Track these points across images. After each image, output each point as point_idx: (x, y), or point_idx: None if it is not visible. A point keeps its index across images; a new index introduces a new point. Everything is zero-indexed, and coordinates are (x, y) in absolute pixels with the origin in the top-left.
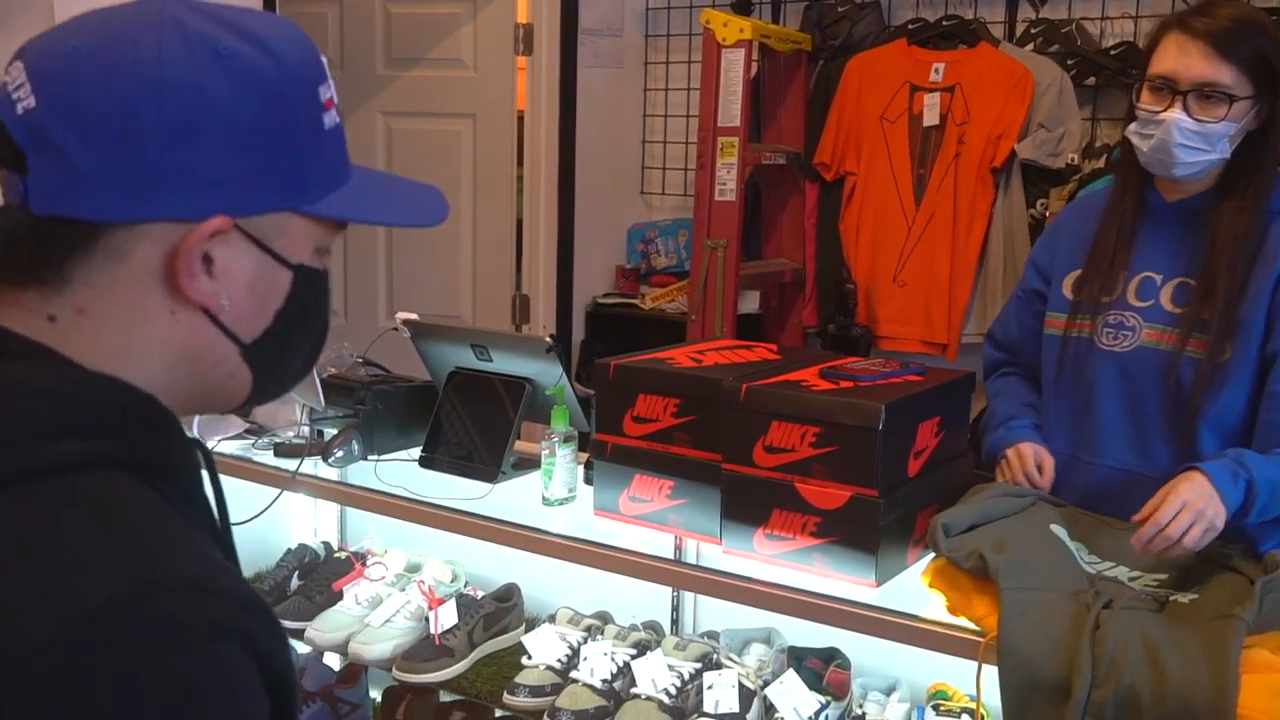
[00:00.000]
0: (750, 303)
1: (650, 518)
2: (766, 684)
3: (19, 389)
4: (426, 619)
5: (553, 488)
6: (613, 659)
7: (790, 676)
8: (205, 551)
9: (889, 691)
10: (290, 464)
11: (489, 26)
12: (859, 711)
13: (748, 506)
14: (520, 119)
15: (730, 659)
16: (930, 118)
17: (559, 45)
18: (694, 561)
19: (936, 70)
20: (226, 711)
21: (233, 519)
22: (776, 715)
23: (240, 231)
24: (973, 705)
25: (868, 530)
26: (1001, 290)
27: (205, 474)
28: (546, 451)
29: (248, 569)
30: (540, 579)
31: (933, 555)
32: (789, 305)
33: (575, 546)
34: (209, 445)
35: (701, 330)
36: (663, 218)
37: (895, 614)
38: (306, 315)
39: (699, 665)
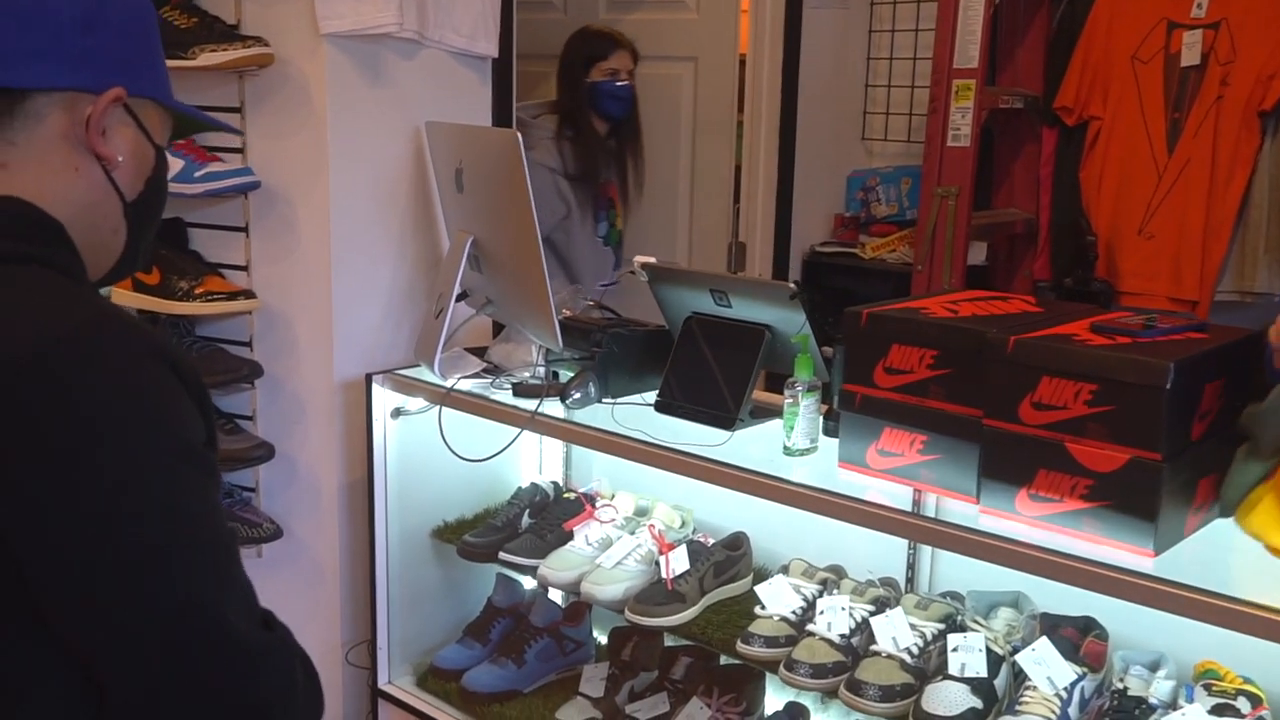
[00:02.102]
0: (977, 254)
1: (900, 472)
2: (1016, 650)
3: None
4: (657, 563)
5: (795, 438)
6: (850, 614)
7: (1044, 644)
8: (123, 309)
9: (1153, 667)
10: (528, 404)
11: None
12: (1119, 685)
13: (1010, 465)
14: (742, 62)
15: (977, 622)
16: (1189, 57)
17: None
18: (922, 514)
19: (1199, 5)
20: (175, 413)
21: (471, 455)
22: (1028, 683)
23: (125, 107)
24: (1249, 687)
25: (1148, 495)
26: (1263, 243)
27: None
28: (790, 400)
29: (478, 504)
30: (769, 529)
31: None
32: (1019, 257)
33: (817, 497)
34: (449, 384)
35: (928, 282)
36: (884, 164)
37: (1173, 584)
38: (161, 189)
39: (942, 626)
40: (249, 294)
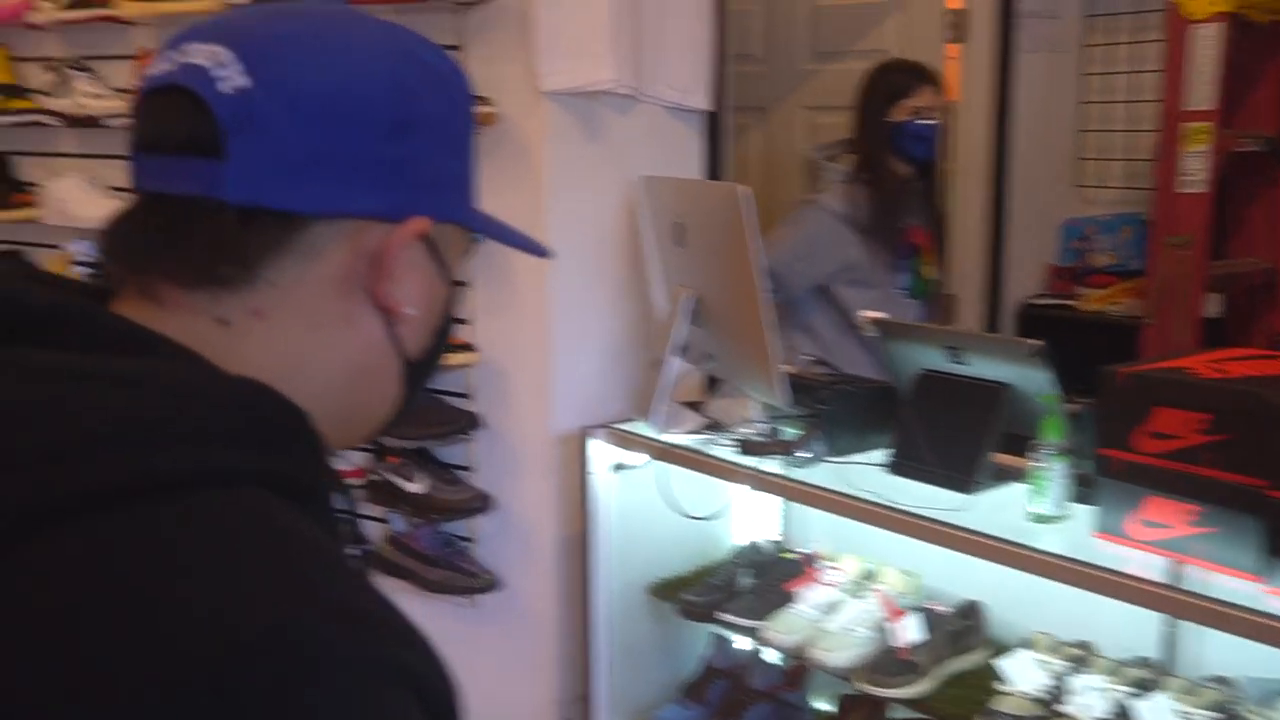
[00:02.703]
0: (1212, 306)
1: (1168, 545)
2: None
3: (163, 388)
4: (887, 630)
5: (1042, 504)
6: (1108, 696)
7: None
8: (367, 582)
9: None
10: (752, 461)
11: (919, 15)
12: None
13: None
14: (950, 109)
15: (1255, 712)
16: None
17: (995, 30)
18: (1196, 590)
19: None
20: None
21: (691, 512)
22: None
23: (425, 240)
24: None
25: None
26: None
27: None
28: (1037, 464)
29: (693, 561)
30: (1005, 599)
31: None
32: (1257, 309)
33: (1074, 569)
34: (670, 439)
35: (1160, 336)
36: (1101, 212)
37: None
38: (447, 337)
39: (1217, 715)
40: (469, 347)
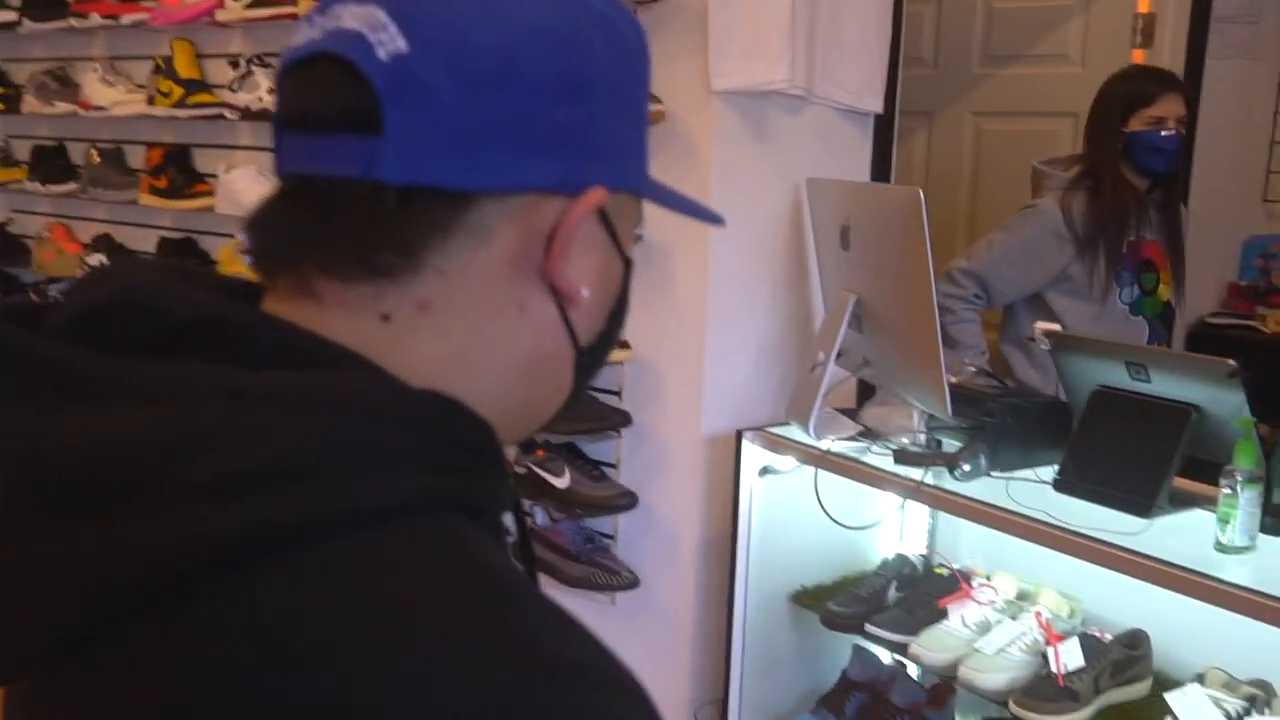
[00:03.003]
0: None
1: None
2: None
3: (341, 407)
4: (1044, 654)
5: (1231, 533)
6: None
7: None
8: (570, 618)
9: None
10: (911, 472)
11: (1103, 18)
12: None
13: None
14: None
15: None
16: None
17: (1186, 36)
18: None
19: None
20: None
21: (841, 520)
22: None
23: (600, 213)
24: None
25: None
26: None
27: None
28: (1227, 491)
29: (837, 571)
30: (1174, 630)
31: None
32: None
33: (1265, 603)
34: (824, 445)
35: None
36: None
37: None
38: (623, 320)
39: None
40: (623, 344)
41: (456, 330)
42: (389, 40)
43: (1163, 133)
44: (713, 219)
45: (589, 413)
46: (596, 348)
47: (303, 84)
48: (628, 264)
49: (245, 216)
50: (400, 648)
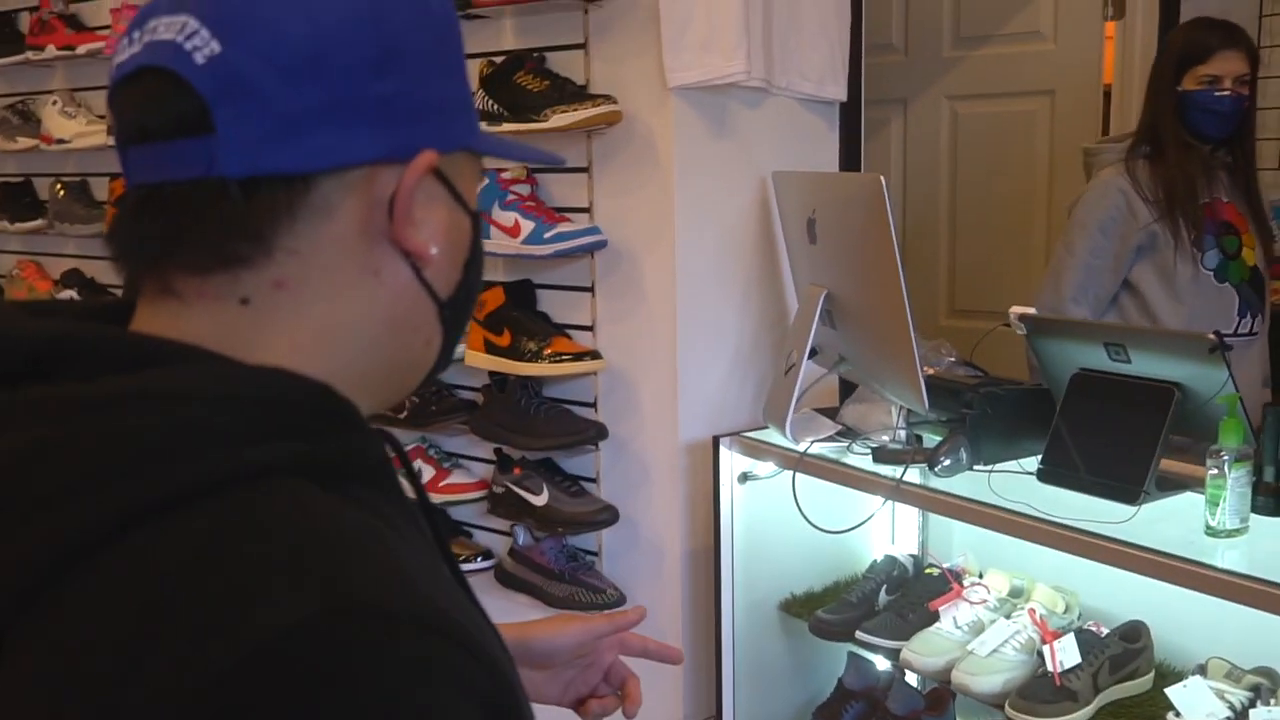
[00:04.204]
0: None
1: None
2: None
3: (168, 400)
4: (1039, 653)
5: (1221, 516)
6: None
7: None
8: (420, 571)
9: None
10: (890, 471)
11: None
12: None
13: None
14: (1106, 95)
15: None
16: None
17: (1158, 6)
18: None
19: None
20: None
21: (826, 526)
22: None
23: (436, 173)
24: None
25: None
26: None
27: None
28: (1214, 472)
29: (827, 576)
30: (1174, 620)
31: None
32: None
33: (1260, 589)
34: (802, 448)
35: None
36: (1277, 196)
37: None
38: (479, 268)
39: None
40: (595, 354)
41: (316, 303)
42: (203, 44)
43: (1216, 93)
44: (551, 159)
45: (565, 426)
46: (458, 298)
47: (133, 100)
48: (475, 218)
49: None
50: (208, 594)
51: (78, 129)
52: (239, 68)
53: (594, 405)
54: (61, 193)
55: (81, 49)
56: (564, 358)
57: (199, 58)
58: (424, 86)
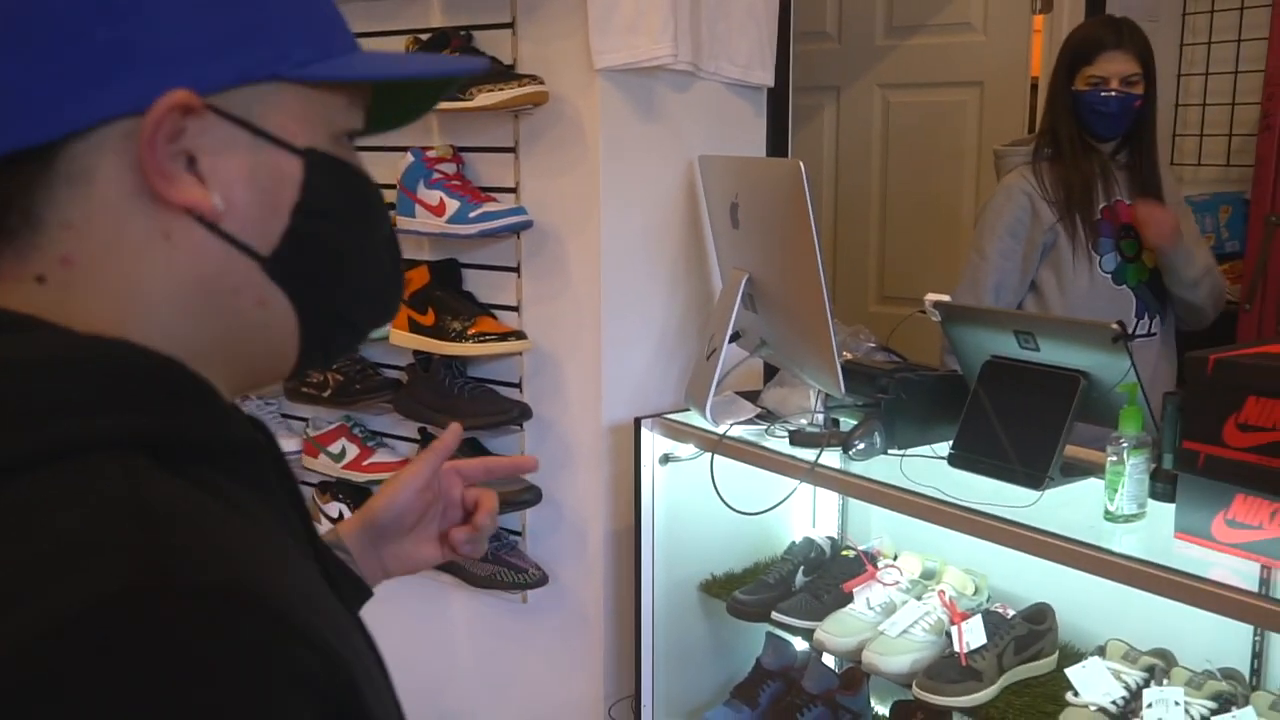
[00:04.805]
0: None
1: (1256, 548)
2: None
3: (9, 365)
4: (948, 634)
5: (1119, 501)
6: (1187, 711)
7: None
8: (259, 556)
9: None
10: (806, 454)
11: None
12: None
13: None
14: (1034, 86)
15: None
16: None
17: (1085, 1)
18: None
19: None
20: None
21: (744, 508)
22: None
23: (217, 113)
24: None
25: None
26: None
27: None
28: (1114, 459)
29: (747, 557)
30: (1078, 603)
31: None
32: None
33: (1152, 573)
34: (721, 430)
35: (1259, 322)
36: (1197, 191)
37: None
38: (341, 214)
39: None
40: (520, 335)
41: (110, 277)
42: None
43: (1103, 93)
44: (423, 71)
45: (490, 407)
46: (292, 247)
47: None
48: (311, 156)
49: None
50: (21, 561)
51: None
52: None
53: (519, 386)
54: None
55: None
56: (489, 338)
57: None
58: (171, 20)
